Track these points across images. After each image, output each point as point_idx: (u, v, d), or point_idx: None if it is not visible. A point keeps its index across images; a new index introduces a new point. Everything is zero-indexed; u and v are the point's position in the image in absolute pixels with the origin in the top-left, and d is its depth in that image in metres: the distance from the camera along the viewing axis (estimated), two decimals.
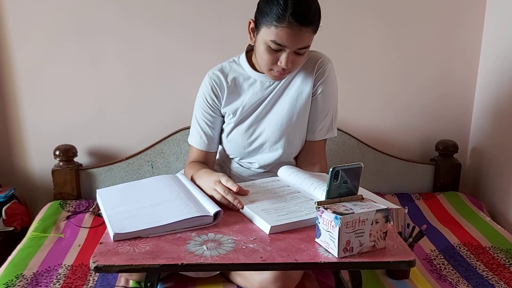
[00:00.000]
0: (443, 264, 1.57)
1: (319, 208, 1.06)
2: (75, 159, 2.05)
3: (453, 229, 1.80)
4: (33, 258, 1.55)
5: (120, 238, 1.08)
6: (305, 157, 1.58)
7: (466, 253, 1.62)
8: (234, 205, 1.23)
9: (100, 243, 1.07)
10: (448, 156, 2.16)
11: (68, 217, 1.84)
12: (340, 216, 1.00)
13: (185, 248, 1.05)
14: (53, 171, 1.99)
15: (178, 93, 2.08)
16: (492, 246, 1.66)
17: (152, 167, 2.06)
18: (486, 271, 1.51)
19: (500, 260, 1.57)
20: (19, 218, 1.87)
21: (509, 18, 1.95)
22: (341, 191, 1.11)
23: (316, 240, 1.08)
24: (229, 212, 1.22)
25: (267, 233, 1.12)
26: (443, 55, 2.15)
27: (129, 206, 1.23)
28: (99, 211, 1.89)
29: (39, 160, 2.09)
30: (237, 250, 1.05)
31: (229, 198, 1.24)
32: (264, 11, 1.33)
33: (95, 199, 2.03)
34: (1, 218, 1.84)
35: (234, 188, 1.25)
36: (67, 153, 2.00)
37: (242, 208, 1.22)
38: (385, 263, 1.02)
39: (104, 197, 1.31)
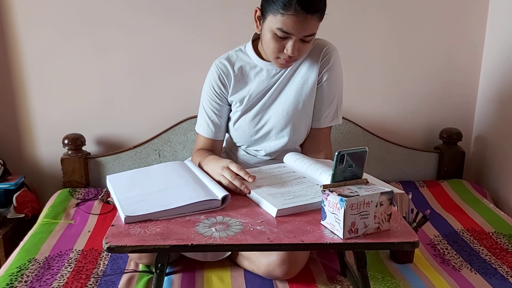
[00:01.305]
0: (446, 249, 1.59)
1: (324, 191, 1.09)
2: (83, 148, 2.08)
3: (456, 215, 1.83)
4: (45, 243, 1.59)
5: (131, 220, 1.11)
6: (310, 144, 1.61)
7: (470, 238, 1.65)
8: (241, 190, 1.26)
9: (112, 225, 1.10)
10: (452, 144, 2.19)
11: (77, 204, 1.88)
12: (346, 198, 1.02)
13: (195, 230, 1.08)
14: (62, 160, 2.03)
15: (183, 82, 2.11)
16: (495, 231, 1.69)
17: (159, 156, 2.09)
18: (489, 256, 1.54)
19: (503, 245, 1.60)
20: (30, 205, 1.91)
21: None
22: (346, 175, 1.14)
23: (322, 222, 1.11)
24: (236, 197, 1.25)
25: (274, 216, 1.15)
26: (447, 42, 2.17)
27: (139, 190, 1.26)
28: (108, 198, 1.93)
29: (48, 149, 2.13)
30: (245, 232, 1.08)
31: (236, 183, 1.26)
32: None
33: (103, 187, 2.08)
34: (12, 205, 1.88)
35: (242, 173, 1.28)
36: (75, 142, 2.03)
37: (249, 193, 1.25)
38: (389, 244, 1.05)
39: (114, 183, 1.34)
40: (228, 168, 1.30)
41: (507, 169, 2.01)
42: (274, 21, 1.34)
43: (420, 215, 1.56)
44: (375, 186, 1.12)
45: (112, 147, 2.14)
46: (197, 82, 2.08)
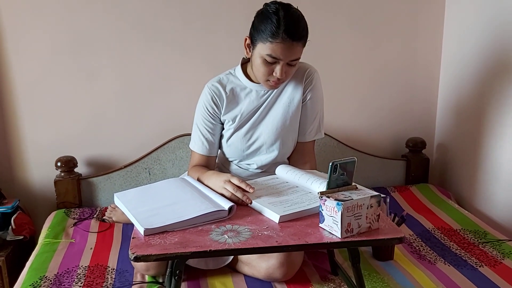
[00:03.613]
0: (421, 246, 1.78)
1: (322, 197, 1.25)
2: (75, 170, 2.16)
3: (426, 216, 2.02)
4: (51, 262, 1.66)
5: (150, 232, 1.23)
6: (297, 157, 1.76)
7: (440, 236, 1.85)
8: (243, 201, 1.39)
9: (133, 237, 1.22)
10: (418, 152, 2.40)
11: (75, 224, 1.95)
12: (342, 202, 1.18)
13: (209, 237, 1.21)
14: (55, 182, 2.10)
15: (170, 102, 2.23)
16: (462, 228, 1.89)
17: (149, 174, 2.20)
18: (459, 250, 1.73)
19: (470, 239, 1.80)
20: (27, 227, 1.97)
21: (466, 28, 2.21)
22: (338, 182, 1.30)
23: (320, 225, 1.26)
24: (239, 207, 1.38)
25: (277, 222, 1.29)
26: (408, 61, 2.40)
27: (150, 205, 1.38)
28: (104, 217, 2.01)
29: (40, 172, 2.19)
30: (254, 237, 1.21)
31: (239, 195, 1.40)
32: (259, 29, 1.51)
33: (96, 206, 2.16)
34: (11, 227, 1.93)
35: (243, 186, 1.41)
36: (68, 164, 2.11)
37: (251, 203, 1.39)
38: (380, 240, 1.22)
39: (124, 199, 1.45)
40: (230, 181, 1.44)
41: (467, 172, 2.24)
42: (264, 48, 1.50)
43: (398, 217, 1.74)
44: (365, 191, 1.29)
45: (103, 168, 2.23)
46: (183, 102, 2.22)
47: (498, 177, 2.02)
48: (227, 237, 1.21)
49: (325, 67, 2.29)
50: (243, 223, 1.30)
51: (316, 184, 1.44)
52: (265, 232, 1.24)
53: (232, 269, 1.63)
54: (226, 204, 1.34)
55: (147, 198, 1.45)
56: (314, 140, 1.77)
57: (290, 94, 1.68)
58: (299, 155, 1.76)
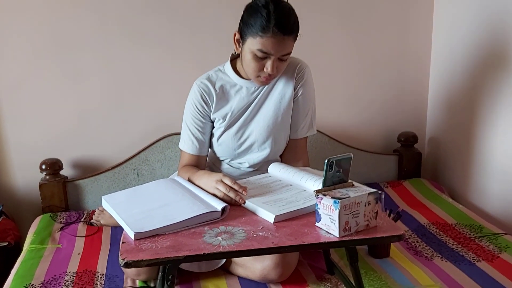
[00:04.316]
0: (417, 242, 1.76)
1: (318, 195, 1.21)
2: (61, 172, 2.09)
3: (421, 211, 2.00)
4: (38, 268, 1.60)
5: (140, 236, 1.18)
6: (289, 154, 1.72)
7: (436, 231, 1.82)
8: (236, 201, 1.35)
9: (122, 242, 1.16)
10: (409, 146, 2.38)
11: (62, 228, 1.89)
12: (339, 200, 1.14)
13: (203, 240, 1.17)
14: (40, 185, 2.03)
15: (157, 102, 2.18)
16: (457, 223, 1.87)
17: (138, 175, 2.14)
18: (455, 245, 1.71)
19: (466, 234, 1.78)
20: (11, 233, 1.90)
21: (456, 20, 2.19)
22: (334, 179, 1.26)
23: (317, 224, 1.22)
24: (232, 207, 1.33)
25: (272, 222, 1.25)
26: (397, 55, 2.37)
27: (140, 208, 1.32)
28: (91, 221, 1.95)
29: (24, 176, 2.12)
30: (249, 239, 1.17)
31: (231, 195, 1.35)
32: (249, 23, 1.46)
33: (83, 209, 2.10)
34: None
35: (236, 187, 1.37)
36: (53, 166, 2.04)
37: (244, 203, 1.35)
38: (379, 238, 1.18)
39: (112, 202, 1.39)
40: (222, 181, 1.39)
41: (460, 165, 2.22)
42: (254, 43, 1.46)
43: (392, 213, 1.71)
44: (362, 188, 1.25)
45: (90, 169, 2.17)
46: (171, 100, 2.17)
47: (491, 170, 2.01)
48: (221, 239, 1.17)
49: (314, 62, 2.23)
50: (237, 224, 1.26)
51: (310, 182, 1.40)
52: (260, 233, 1.20)
53: (225, 271, 1.59)
54: (218, 205, 1.29)
55: (137, 200, 1.40)
56: (307, 137, 1.73)
57: (281, 90, 1.64)
58: (291, 153, 1.72)
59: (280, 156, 1.74)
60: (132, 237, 1.17)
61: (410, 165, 2.36)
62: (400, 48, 2.37)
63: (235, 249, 1.13)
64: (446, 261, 1.61)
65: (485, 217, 1.97)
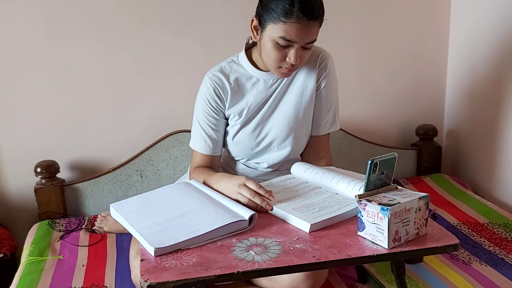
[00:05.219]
0: None
1: (361, 201, 1.07)
2: (58, 175, 1.93)
3: (448, 209, 1.87)
4: (39, 284, 1.45)
5: (161, 252, 1.03)
6: (310, 152, 1.58)
7: (468, 231, 1.70)
8: (263, 207, 1.21)
9: (142, 260, 1.02)
10: (429, 140, 2.25)
11: (62, 237, 1.73)
12: (389, 207, 1.00)
13: (233, 255, 1.02)
14: (36, 190, 1.87)
15: (162, 96, 2.02)
16: (489, 222, 1.75)
17: (141, 177, 1.99)
18: (492, 246, 1.58)
19: (501, 234, 1.66)
20: (7, 243, 1.74)
21: (475, 2, 2.05)
22: (376, 182, 1.12)
23: (359, 233, 1.08)
24: (258, 215, 1.19)
25: (307, 231, 1.11)
26: (413, 42, 2.23)
27: (155, 218, 1.17)
28: (93, 227, 1.80)
29: (17, 180, 1.95)
30: (286, 252, 1.03)
31: (257, 200, 1.21)
32: (269, 8, 1.31)
33: (84, 215, 1.94)
34: None
35: (262, 191, 1.22)
36: (49, 169, 1.87)
37: (271, 209, 1.21)
38: (433, 248, 1.05)
39: (122, 211, 1.24)
40: (245, 185, 1.24)
41: (483, 159, 2.09)
42: (276, 30, 1.31)
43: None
44: (407, 191, 1.11)
45: (89, 172, 2.00)
46: (176, 95, 2.02)
47: None
48: (254, 254, 1.03)
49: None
50: (268, 234, 1.11)
51: (343, 184, 1.27)
52: (297, 245, 1.06)
53: (247, 281, 1.44)
54: (245, 213, 1.15)
55: (150, 208, 1.25)
56: (329, 133, 1.59)
57: (303, 82, 1.49)
58: (313, 151, 1.58)
59: (301, 154, 1.60)
60: (152, 253, 1.02)
61: (430, 160, 2.23)
62: (417, 34, 2.23)
63: (272, 266, 0.98)
64: (485, 265, 1.48)
65: None
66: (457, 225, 1.74)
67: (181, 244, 1.06)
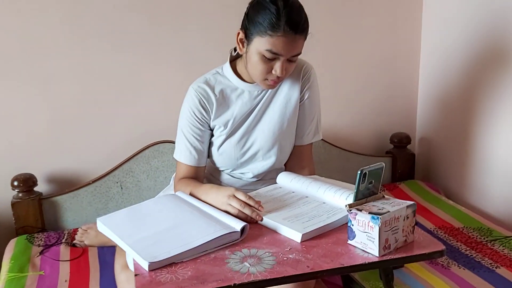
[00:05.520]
0: None
1: (351, 210, 1.10)
2: (35, 189, 1.89)
3: (423, 215, 1.94)
4: None
5: (155, 266, 1.03)
6: (294, 162, 1.61)
7: (444, 236, 1.76)
8: (253, 218, 1.22)
9: (136, 275, 1.01)
10: (403, 148, 2.32)
11: (42, 252, 1.69)
12: (380, 216, 1.04)
13: (228, 267, 1.03)
14: (13, 204, 1.82)
15: (142, 106, 2.01)
16: (464, 226, 1.82)
17: (122, 188, 1.96)
18: (468, 250, 1.65)
19: (476, 238, 1.72)
20: None
21: (446, 16, 2.14)
22: (365, 191, 1.16)
23: (350, 242, 1.11)
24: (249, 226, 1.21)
25: (299, 241, 1.13)
26: (386, 55, 2.31)
27: (146, 231, 1.17)
28: (74, 241, 1.76)
29: None
30: (280, 263, 1.05)
31: (247, 211, 1.22)
32: (256, 21, 1.33)
33: (63, 229, 1.91)
34: None
35: (252, 202, 1.24)
36: (27, 182, 1.84)
37: (261, 220, 1.22)
38: (421, 255, 1.09)
39: (110, 225, 1.23)
40: (234, 196, 1.26)
41: (454, 165, 2.17)
42: (262, 43, 1.33)
43: None
44: (396, 200, 1.15)
45: (68, 184, 1.96)
46: (156, 105, 2.01)
47: (492, 170, 1.97)
48: (249, 265, 1.04)
49: None
50: (260, 245, 1.13)
51: (329, 193, 1.30)
52: (290, 256, 1.07)
53: None
54: (237, 224, 1.16)
55: (139, 222, 1.24)
56: (312, 143, 1.62)
57: (287, 93, 1.52)
58: (296, 160, 1.60)
59: (285, 164, 1.62)
60: (146, 268, 1.02)
61: (404, 167, 2.30)
62: (388, 44, 2.30)
63: (268, 277, 1.00)
64: (463, 268, 1.54)
65: (490, 219, 1.92)
66: (434, 230, 1.80)
67: (175, 257, 1.06)
